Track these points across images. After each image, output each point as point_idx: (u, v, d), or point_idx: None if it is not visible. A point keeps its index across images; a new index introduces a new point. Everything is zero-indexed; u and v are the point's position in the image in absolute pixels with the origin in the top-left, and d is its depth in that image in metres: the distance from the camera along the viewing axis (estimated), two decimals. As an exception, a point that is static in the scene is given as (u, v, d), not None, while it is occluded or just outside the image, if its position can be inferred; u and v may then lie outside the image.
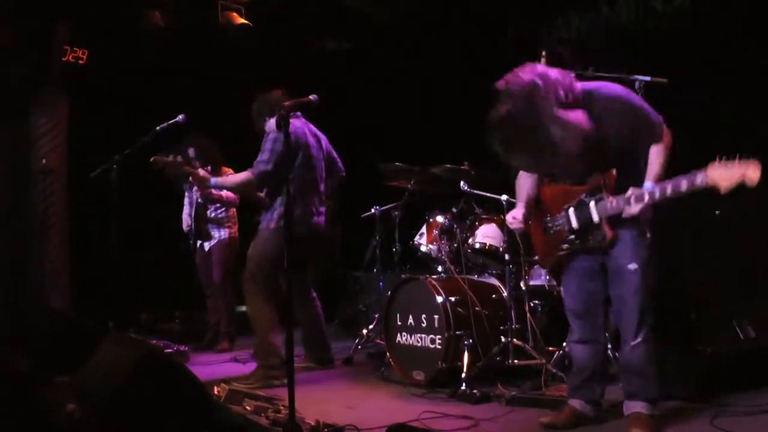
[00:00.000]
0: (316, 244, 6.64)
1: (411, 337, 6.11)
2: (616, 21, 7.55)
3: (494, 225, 6.52)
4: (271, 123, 6.26)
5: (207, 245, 8.09)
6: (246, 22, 8.68)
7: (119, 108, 9.07)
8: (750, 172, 3.88)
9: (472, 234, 6.55)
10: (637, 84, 5.08)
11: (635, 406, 4.35)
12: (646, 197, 4.16)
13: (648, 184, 4.21)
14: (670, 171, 4.30)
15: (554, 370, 5.61)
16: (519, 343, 5.87)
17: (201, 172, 6.40)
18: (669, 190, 4.12)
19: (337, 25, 9.84)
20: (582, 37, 7.89)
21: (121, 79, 9.23)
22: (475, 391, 5.33)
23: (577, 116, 4.04)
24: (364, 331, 7.50)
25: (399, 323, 6.24)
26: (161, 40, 8.77)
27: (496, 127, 4.11)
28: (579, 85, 4.22)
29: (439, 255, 6.62)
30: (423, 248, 6.82)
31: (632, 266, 4.31)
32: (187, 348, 7.46)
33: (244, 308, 9.13)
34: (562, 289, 4.81)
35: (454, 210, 6.77)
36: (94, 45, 8.75)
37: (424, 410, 4.95)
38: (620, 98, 4.26)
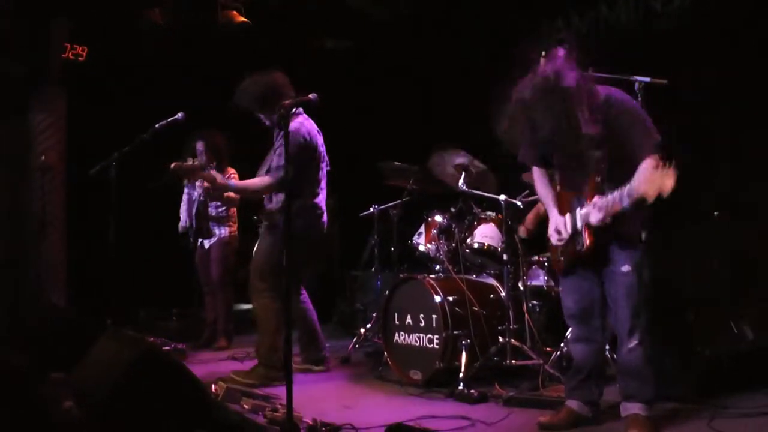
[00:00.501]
0: (323, 245, 6.62)
1: (409, 336, 6.11)
2: (616, 21, 7.55)
3: (493, 225, 6.52)
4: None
5: (207, 243, 8.09)
6: (246, 20, 8.67)
7: (118, 105, 9.06)
8: (666, 184, 3.98)
9: (471, 234, 6.54)
10: (636, 85, 5.08)
11: (632, 408, 4.36)
12: (603, 205, 4.21)
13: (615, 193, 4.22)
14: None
15: (552, 371, 5.61)
16: (517, 343, 5.87)
17: (219, 177, 6.35)
18: (618, 200, 4.15)
19: (337, 23, 9.84)
20: (582, 37, 7.89)
21: (120, 76, 9.22)
22: (472, 391, 5.33)
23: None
24: (362, 331, 7.50)
25: (397, 323, 6.24)
26: (161, 37, 8.76)
27: (525, 92, 4.21)
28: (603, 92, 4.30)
29: (438, 255, 6.62)
30: (421, 248, 6.81)
31: (625, 268, 4.34)
32: (184, 346, 7.45)
33: (242, 306, 9.18)
34: (560, 289, 4.83)
35: (452, 210, 6.77)
36: (93, 42, 8.74)
37: (421, 410, 4.96)
38: (633, 110, 4.34)
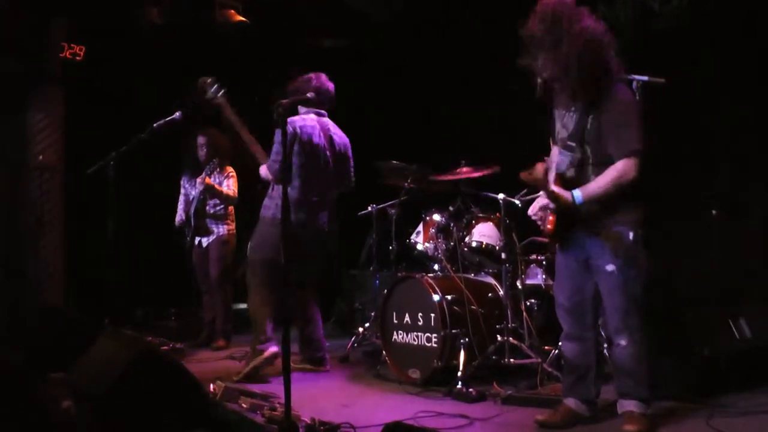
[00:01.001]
0: (314, 242, 6.57)
1: (407, 335, 6.12)
2: (614, 21, 7.53)
3: (491, 224, 6.52)
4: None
5: (205, 241, 8.08)
6: (243, 19, 8.67)
7: (116, 104, 9.05)
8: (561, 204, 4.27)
9: (469, 233, 6.55)
10: (634, 84, 5.06)
11: (628, 405, 4.38)
12: (555, 194, 4.32)
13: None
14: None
15: (550, 370, 5.62)
16: (515, 342, 5.88)
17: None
18: (567, 195, 4.32)
19: (335, 23, 9.83)
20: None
21: (118, 75, 9.21)
22: (470, 389, 5.33)
23: None
24: (360, 330, 7.50)
25: (395, 321, 6.24)
26: (159, 37, 8.76)
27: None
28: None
29: (436, 253, 6.62)
30: (419, 247, 6.82)
31: (609, 267, 4.36)
32: (183, 345, 7.45)
33: (240, 305, 9.17)
34: (553, 285, 4.85)
35: (450, 208, 6.78)
36: (91, 41, 8.73)
37: (419, 409, 4.96)
38: (626, 110, 4.36)
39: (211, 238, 8.07)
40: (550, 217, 4.41)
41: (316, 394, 5.59)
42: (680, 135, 6.77)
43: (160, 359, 4.25)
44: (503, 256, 6.15)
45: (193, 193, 8.01)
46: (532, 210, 4.63)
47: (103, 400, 3.89)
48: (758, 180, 6.57)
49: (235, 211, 8.23)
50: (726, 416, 4.52)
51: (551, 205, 4.42)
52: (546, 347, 6.07)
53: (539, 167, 4.28)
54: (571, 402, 4.62)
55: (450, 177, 6.75)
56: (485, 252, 6.51)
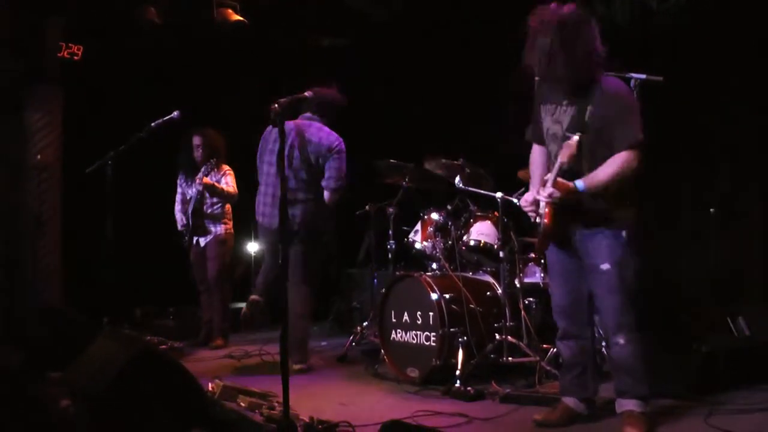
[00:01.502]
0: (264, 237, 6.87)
1: (406, 334, 6.12)
2: (612, 19, 7.55)
3: (489, 222, 6.53)
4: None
5: (202, 241, 8.07)
6: (241, 19, 8.67)
7: (114, 104, 9.05)
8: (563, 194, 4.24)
9: (467, 231, 6.55)
10: (632, 82, 5.07)
11: (627, 404, 4.37)
12: (558, 187, 4.30)
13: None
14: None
15: (548, 368, 5.63)
16: (513, 340, 5.88)
17: None
18: (572, 184, 4.29)
19: (334, 22, 9.83)
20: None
21: (116, 74, 9.21)
22: (469, 388, 5.34)
23: None
24: (359, 329, 7.50)
25: (394, 320, 6.24)
26: (157, 36, 8.75)
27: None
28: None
29: (434, 252, 6.62)
30: (417, 245, 6.82)
31: (605, 266, 4.36)
32: (181, 344, 7.45)
33: (238, 305, 9.17)
34: (549, 285, 4.85)
35: (448, 207, 6.78)
36: (89, 41, 8.73)
37: (418, 407, 4.96)
38: (623, 102, 4.34)
39: (209, 237, 8.06)
40: (546, 210, 4.38)
41: (314, 393, 5.59)
42: (679, 134, 6.78)
43: (159, 358, 4.24)
44: (501, 254, 6.15)
45: (190, 192, 8.00)
46: (524, 201, 4.62)
47: (102, 399, 3.89)
48: (757, 179, 6.58)
49: (232, 210, 8.23)
50: (724, 414, 4.53)
51: (547, 197, 4.40)
52: (544, 345, 6.07)
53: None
54: (569, 401, 4.62)
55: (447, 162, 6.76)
56: (483, 250, 6.52)
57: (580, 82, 4.28)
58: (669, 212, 6.81)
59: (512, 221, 6.42)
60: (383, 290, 6.50)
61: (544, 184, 4.44)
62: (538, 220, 4.53)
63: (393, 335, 6.23)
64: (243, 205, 8.10)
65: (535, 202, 4.50)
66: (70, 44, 8.59)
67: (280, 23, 9.51)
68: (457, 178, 6.48)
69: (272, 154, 6.62)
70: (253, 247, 10.35)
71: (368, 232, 8.02)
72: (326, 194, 6.56)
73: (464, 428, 4.58)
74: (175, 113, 6.80)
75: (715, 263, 6.69)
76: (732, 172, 6.73)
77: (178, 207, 8.24)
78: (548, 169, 4.56)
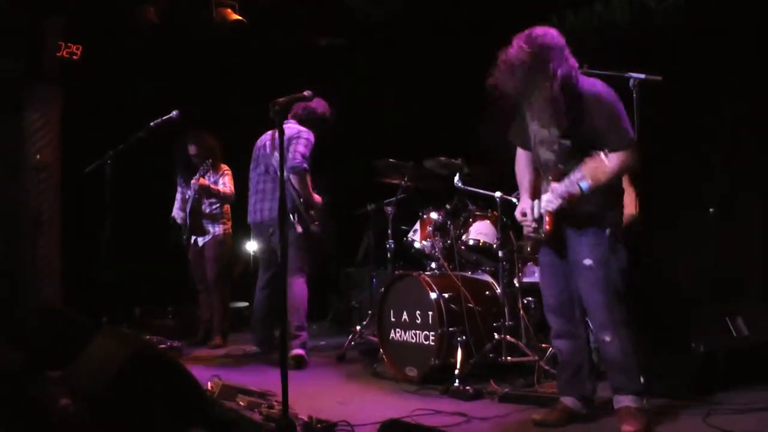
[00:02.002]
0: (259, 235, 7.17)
1: (404, 333, 6.12)
2: (610, 18, 7.55)
3: (488, 222, 6.53)
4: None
5: (201, 241, 8.07)
6: (240, 18, 8.67)
7: (113, 103, 9.05)
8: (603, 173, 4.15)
9: (466, 231, 6.55)
10: (631, 82, 5.08)
11: (623, 400, 4.37)
12: (559, 192, 4.30)
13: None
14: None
15: (547, 367, 5.63)
16: (512, 340, 5.89)
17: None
18: (572, 185, 4.24)
19: (332, 21, 9.83)
20: (576, 34, 7.89)
21: (115, 74, 9.21)
22: (468, 387, 5.34)
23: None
24: (357, 328, 7.50)
25: (393, 319, 6.24)
26: (155, 36, 8.76)
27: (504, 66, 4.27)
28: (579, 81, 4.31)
29: (433, 252, 6.62)
30: (416, 245, 6.82)
31: (587, 262, 4.37)
32: (180, 344, 7.45)
33: (237, 304, 9.17)
34: (540, 284, 4.86)
35: (447, 206, 6.77)
36: (88, 40, 8.73)
37: (417, 407, 4.96)
38: (609, 105, 4.30)
39: (207, 237, 8.06)
40: (547, 218, 4.41)
41: (313, 392, 5.59)
42: (678, 133, 6.78)
43: (158, 357, 4.25)
44: (500, 254, 6.15)
45: (189, 193, 8.00)
46: (519, 214, 4.64)
47: (101, 398, 3.89)
48: (757, 179, 6.58)
49: (231, 210, 8.23)
50: (723, 414, 4.52)
51: (541, 211, 4.43)
52: (543, 345, 6.06)
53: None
54: (567, 400, 4.62)
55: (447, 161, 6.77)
56: (482, 250, 6.52)
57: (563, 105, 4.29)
58: (669, 212, 6.80)
59: (511, 221, 6.42)
60: (382, 289, 6.50)
61: (536, 193, 4.54)
62: (531, 227, 4.56)
63: (392, 334, 6.24)
64: (241, 205, 8.10)
65: (531, 212, 4.52)
66: (69, 44, 8.58)
67: (279, 23, 9.52)
68: (456, 176, 6.49)
69: (258, 166, 7.07)
70: (251, 247, 10.35)
71: (367, 232, 8.03)
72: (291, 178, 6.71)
73: (463, 427, 4.57)
74: (174, 113, 6.81)
75: (714, 263, 6.69)
76: (732, 172, 6.72)
77: (177, 205, 8.24)
78: (538, 174, 4.62)
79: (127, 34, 8.81)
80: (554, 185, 4.33)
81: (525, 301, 6.36)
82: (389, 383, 5.99)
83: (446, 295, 5.91)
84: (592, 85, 4.36)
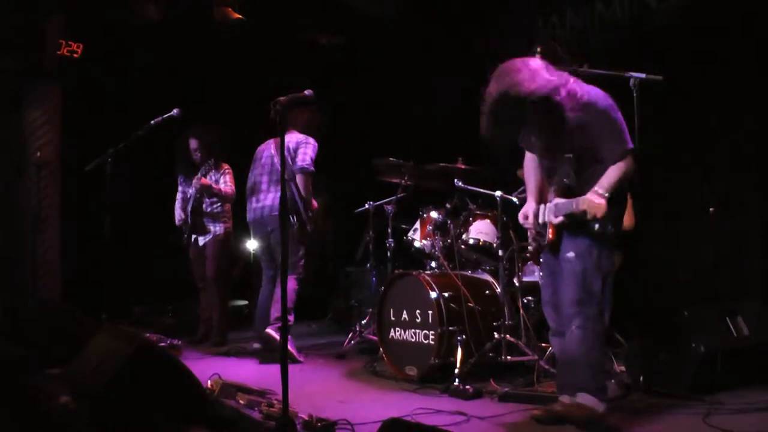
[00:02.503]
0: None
1: (404, 332, 6.12)
2: (611, 18, 7.56)
3: (488, 221, 6.53)
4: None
5: (201, 239, 8.06)
6: (240, 17, 8.67)
7: (113, 101, 9.05)
8: (600, 212, 4.10)
9: (466, 230, 6.55)
10: (632, 81, 5.07)
11: (579, 398, 4.37)
12: (561, 209, 4.36)
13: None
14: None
15: (546, 367, 5.62)
16: (512, 339, 5.88)
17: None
18: (573, 207, 4.26)
19: (332, 20, 9.83)
20: (577, 33, 7.90)
21: (115, 72, 9.21)
22: (467, 387, 5.33)
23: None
24: (357, 327, 7.49)
25: (392, 318, 6.24)
26: (156, 34, 8.76)
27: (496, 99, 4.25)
28: (580, 92, 4.30)
29: (433, 251, 6.62)
30: (416, 244, 6.83)
31: (569, 254, 4.41)
32: (180, 342, 7.44)
33: (237, 303, 9.17)
34: (540, 282, 4.88)
35: (447, 206, 6.78)
36: (88, 39, 8.73)
37: (417, 406, 4.96)
38: (606, 114, 4.32)
39: (208, 236, 8.05)
40: (551, 229, 4.44)
41: (313, 391, 5.59)
42: (678, 133, 6.78)
43: (158, 356, 4.25)
44: (500, 253, 6.15)
45: (190, 191, 8.00)
46: (523, 217, 4.67)
47: (101, 396, 3.89)
48: (756, 178, 6.58)
49: (232, 209, 8.22)
50: (723, 413, 4.53)
51: (545, 219, 4.45)
52: (543, 344, 6.06)
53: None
54: (565, 399, 4.62)
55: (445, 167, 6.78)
56: (482, 249, 6.52)
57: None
58: (669, 211, 6.81)
59: (511, 220, 6.42)
60: (382, 288, 6.50)
61: (541, 196, 4.57)
62: (534, 231, 4.57)
63: (392, 333, 6.24)
64: (242, 204, 8.10)
65: (535, 217, 4.54)
66: (69, 42, 8.58)
67: (279, 22, 9.52)
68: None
69: (262, 167, 7.28)
70: (252, 246, 10.36)
71: (367, 231, 8.01)
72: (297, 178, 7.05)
73: (463, 427, 4.57)
74: (175, 111, 6.80)
75: (714, 263, 6.69)
76: (732, 172, 6.72)
77: (178, 204, 8.23)
78: (542, 179, 4.65)
79: (127, 33, 8.82)
80: (558, 201, 4.36)
81: (525, 301, 6.36)
82: (389, 382, 5.98)
83: (446, 295, 5.91)
84: (587, 93, 4.36)
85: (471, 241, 6.49)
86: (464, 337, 5.79)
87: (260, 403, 4.74)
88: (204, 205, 8.01)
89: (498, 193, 6.24)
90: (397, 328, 6.19)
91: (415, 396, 5.46)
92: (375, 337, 6.59)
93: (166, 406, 4.00)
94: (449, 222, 6.63)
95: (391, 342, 6.22)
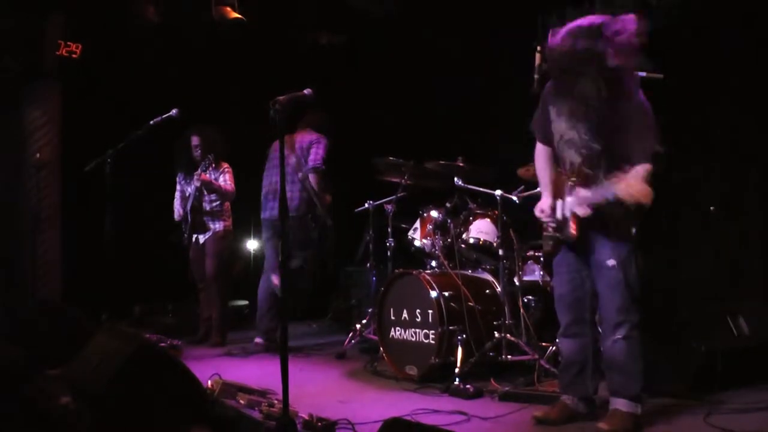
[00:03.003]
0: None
1: (404, 331, 6.12)
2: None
3: (488, 220, 6.52)
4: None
5: (201, 238, 8.06)
6: (239, 16, 8.66)
7: (113, 102, 9.04)
8: (643, 198, 3.95)
9: (466, 229, 6.55)
10: (631, 80, 5.06)
11: (617, 403, 4.36)
12: (585, 200, 4.29)
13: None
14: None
15: (547, 366, 5.62)
16: (512, 338, 5.88)
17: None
18: (601, 197, 4.18)
19: (332, 18, 9.83)
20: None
21: (114, 73, 9.20)
22: (468, 386, 5.34)
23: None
24: (357, 326, 7.48)
25: (392, 318, 6.24)
26: (155, 34, 8.76)
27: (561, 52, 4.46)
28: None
29: (433, 250, 6.62)
30: (417, 243, 6.83)
31: (611, 262, 4.36)
32: (180, 342, 7.44)
33: (237, 302, 9.17)
34: (553, 280, 4.84)
35: (448, 205, 6.78)
36: (87, 39, 8.72)
37: (417, 405, 4.96)
38: (643, 113, 4.32)
39: (208, 234, 8.05)
40: (572, 222, 4.39)
41: (313, 391, 5.59)
42: (679, 132, 6.77)
43: (158, 355, 4.25)
44: (500, 252, 6.15)
45: (189, 190, 7.99)
46: (539, 211, 4.61)
47: (101, 396, 3.89)
48: (756, 178, 6.57)
49: (231, 208, 8.22)
50: (724, 413, 4.53)
51: (567, 213, 4.41)
52: (543, 344, 6.06)
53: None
54: (567, 399, 4.62)
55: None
56: (482, 248, 6.51)
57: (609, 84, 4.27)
58: (669, 211, 6.80)
59: (511, 219, 6.42)
60: (382, 288, 6.50)
61: (556, 191, 4.51)
62: (552, 226, 4.54)
63: (392, 333, 6.24)
64: (242, 202, 8.10)
65: (553, 212, 4.50)
66: (69, 42, 8.58)
67: (279, 21, 9.51)
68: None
69: (275, 167, 7.52)
70: (252, 245, 10.36)
71: (367, 230, 8.01)
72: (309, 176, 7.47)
73: (463, 426, 4.57)
74: (174, 111, 6.80)
75: (715, 263, 6.68)
76: (732, 172, 6.72)
77: (177, 203, 8.23)
78: (558, 171, 4.59)
79: (126, 33, 8.81)
80: (582, 192, 4.31)
81: (525, 300, 6.36)
82: (389, 382, 5.99)
83: (446, 294, 5.91)
84: (635, 91, 4.36)
85: (471, 241, 6.49)
86: (464, 336, 5.79)
87: (260, 403, 4.74)
88: (204, 204, 8.01)
89: (498, 192, 6.22)
90: (398, 328, 6.19)
91: (416, 395, 5.47)
92: (375, 337, 6.59)
93: (166, 406, 4.00)
94: (449, 221, 6.63)
95: (392, 341, 6.22)
